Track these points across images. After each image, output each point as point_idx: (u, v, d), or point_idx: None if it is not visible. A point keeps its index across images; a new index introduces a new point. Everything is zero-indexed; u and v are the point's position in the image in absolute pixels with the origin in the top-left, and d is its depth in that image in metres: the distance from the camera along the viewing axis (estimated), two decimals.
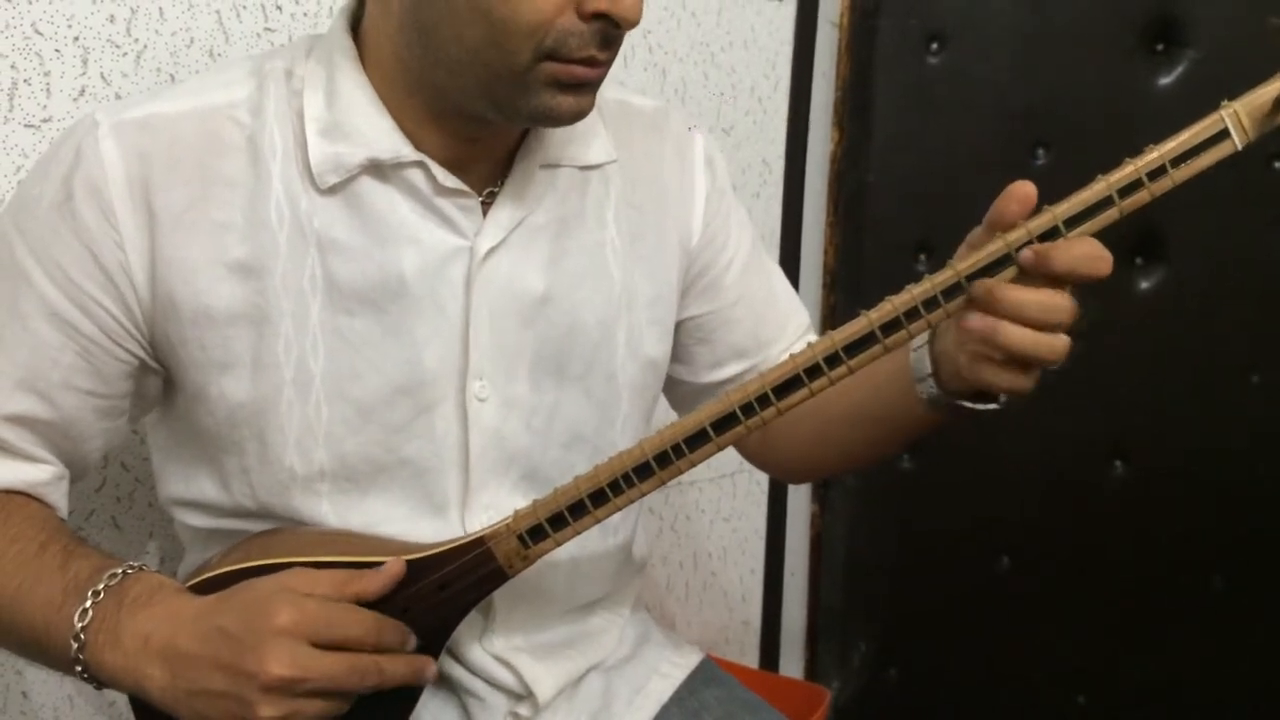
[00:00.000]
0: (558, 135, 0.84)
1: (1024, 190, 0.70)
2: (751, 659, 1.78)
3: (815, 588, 1.79)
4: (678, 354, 0.97)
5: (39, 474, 0.79)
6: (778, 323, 0.98)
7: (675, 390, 1.01)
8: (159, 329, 0.77)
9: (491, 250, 0.81)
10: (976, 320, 0.70)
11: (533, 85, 0.73)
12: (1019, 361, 0.71)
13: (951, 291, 0.71)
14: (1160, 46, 1.54)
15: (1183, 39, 1.53)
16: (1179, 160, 0.68)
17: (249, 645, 0.68)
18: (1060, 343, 0.70)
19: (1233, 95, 0.69)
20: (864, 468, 0.95)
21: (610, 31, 0.72)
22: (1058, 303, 0.69)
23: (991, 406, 0.77)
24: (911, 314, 0.71)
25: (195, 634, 0.70)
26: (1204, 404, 1.64)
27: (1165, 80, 1.54)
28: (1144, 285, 1.61)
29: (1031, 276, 0.69)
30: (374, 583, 0.74)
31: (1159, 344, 1.61)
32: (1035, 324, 0.69)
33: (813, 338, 1.00)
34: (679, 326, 0.96)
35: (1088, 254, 0.68)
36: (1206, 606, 1.69)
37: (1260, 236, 1.59)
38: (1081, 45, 1.56)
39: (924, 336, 0.78)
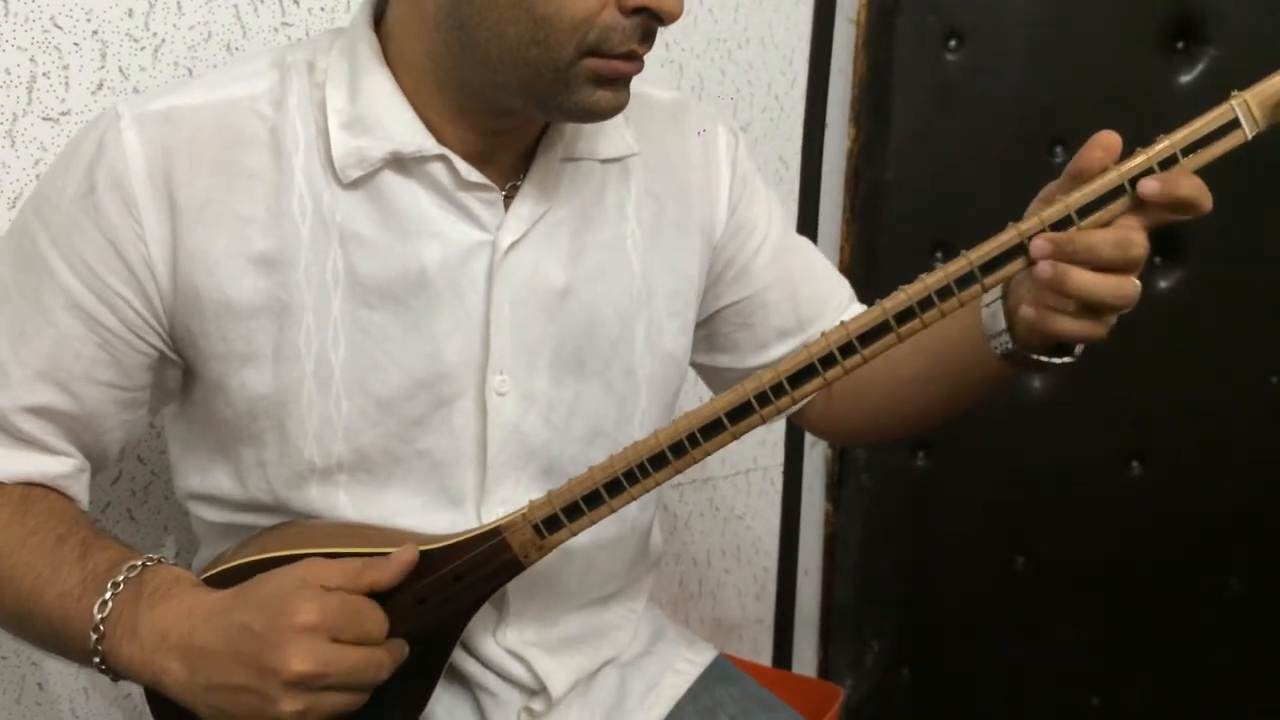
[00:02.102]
0: (580, 129, 0.84)
1: (1109, 139, 0.69)
2: (765, 657, 1.78)
3: (829, 586, 1.78)
4: (719, 343, 0.98)
5: (60, 466, 0.79)
6: (818, 299, 0.97)
7: (721, 378, 1.00)
8: (180, 321, 0.77)
9: (513, 244, 0.81)
10: (1046, 267, 0.69)
11: (574, 81, 0.73)
12: (1091, 309, 0.70)
13: (996, 262, 0.70)
14: (1180, 44, 1.53)
15: (1203, 36, 1.52)
16: (1189, 149, 0.68)
17: (271, 641, 0.68)
18: (1131, 287, 0.69)
19: (1243, 86, 0.68)
20: (932, 428, 0.94)
21: (650, 25, 0.73)
22: (1129, 236, 0.68)
23: (1066, 360, 0.77)
24: (925, 302, 0.71)
25: (215, 629, 0.70)
26: (1222, 405, 1.63)
27: (1185, 78, 1.53)
28: (1163, 285, 1.60)
29: (1146, 210, 0.68)
30: (386, 571, 0.74)
31: (1177, 345, 1.60)
32: (1109, 263, 0.68)
33: (859, 308, 1.00)
34: (716, 316, 0.96)
35: (1202, 187, 0.68)
36: (1224, 608, 1.68)
37: (1279, 236, 1.58)
38: (1101, 42, 1.55)
39: (996, 291, 0.78)
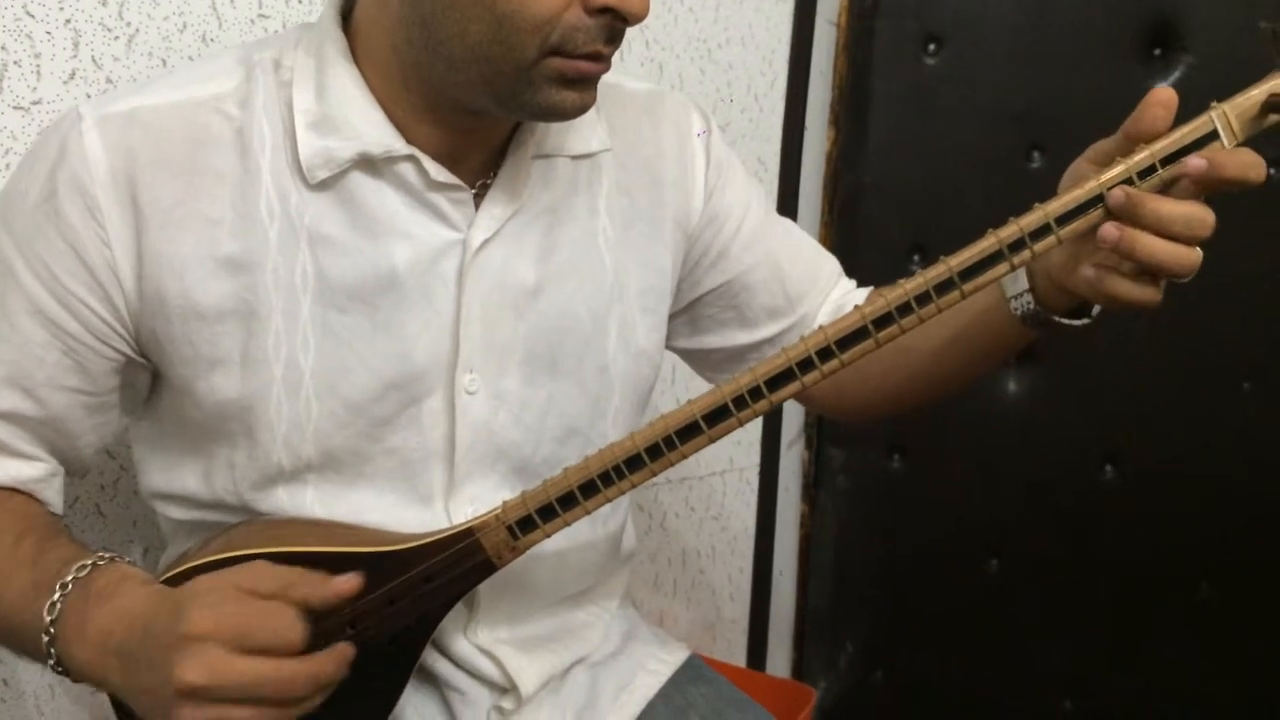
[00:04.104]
0: (551, 126, 0.83)
1: (1165, 95, 0.69)
2: (739, 657, 1.78)
3: (803, 587, 1.79)
4: (705, 325, 0.97)
5: (31, 471, 0.78)
6: (806, 276, 0.97)
7: (710, 359, 0.99)
8: (146, 326, 0.76)
9: (484, 243, 0.80)
10: (1112, 230, 0.69)
11: (537, 81, 0.72)
12: (1150, 273, 0.70)
13: (982, 263, 0.70)
14: (1157, 51, 1.54)
15: (1180, 44, 1.53)
16: (1168, 160, 0.68)
17: (165, 648, 0.64)
18: (1194, 256, 0.69)
19: (1223, 97, 0.69)
20: (944, 397, 0.95)
21: (616, 26, 0.72)
22: (1202, 215, 0.68)
23: (1084, 321, 0.77)
24: (904, 309, 0.71)
25: (136, 632, 0.67)
26: (1195, 411, 1.64)
27: (1162, 84, 1.54)
28: None
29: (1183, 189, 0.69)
30: (318, 591, 0.68)
31: (1151, 350, 1.61)
32: (1176, 236, 0.68)
33: (847, 283, 1.00)
34: (698, 301, 0.95)
35: (1252, 161, 0.68)
36: (1194, 613, 1.69)
37: (1254, 245, 1.59)
38: (1079, 49, 1.56)
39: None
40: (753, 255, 0.95)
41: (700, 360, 1.01)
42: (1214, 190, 0.69)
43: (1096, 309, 0.78)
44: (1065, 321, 0.78)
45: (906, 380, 0.93)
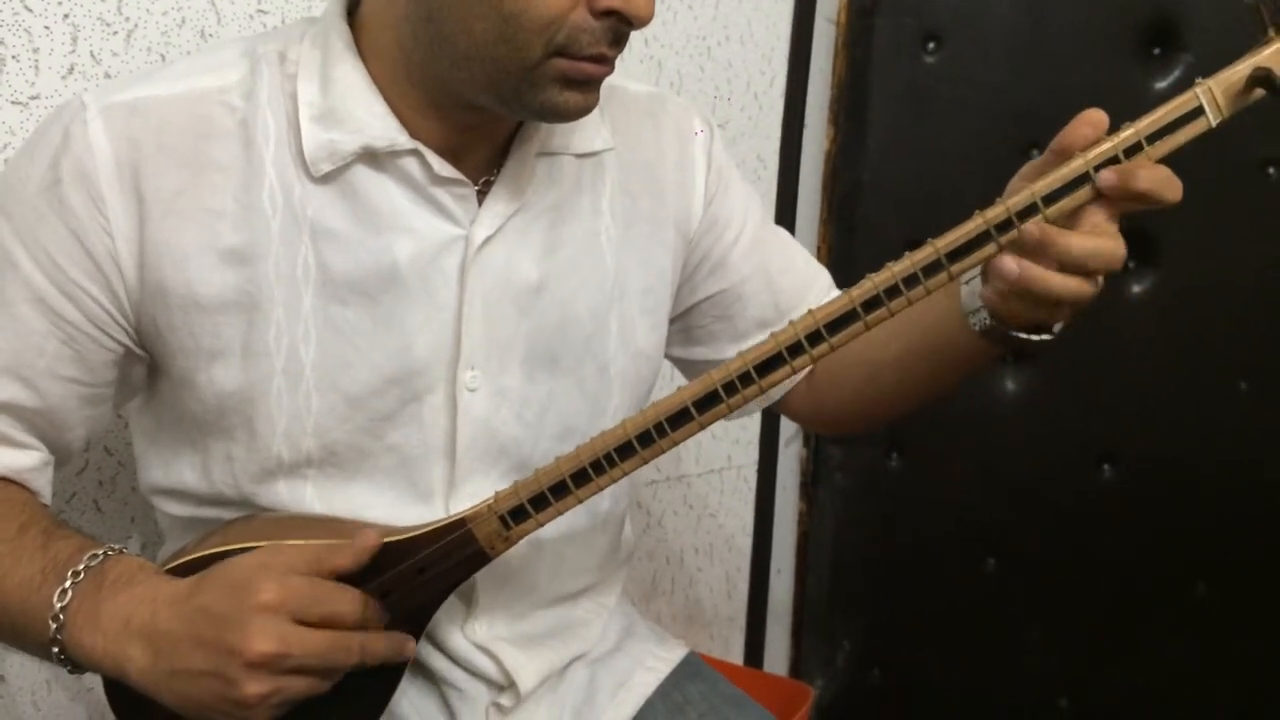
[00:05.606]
0: (556, 124, 0.83)
1: (1095, 116, 0.70)
2: (736, 655, 1.78)
3: (801, 586, 1.79)
4: (697, 335, 0.97)
5: (26, 460, 0.78)
6: (797, 289, 0.97)
7: (700, 371, 0.99)
8: (146, 317, 0.76)
9: (487, 240, 0.80)
10: (1011, 265, 0.70)
11: (540, 81, 0.72)
12: (1049, 303, 0.72)
13: (952, 256, 0.70)
14: (1156, 50, 1.54)
15: (1179, 43, 1.53)
16: (1154, 137, 0.68)
17: (232, 622, 0.67)
18: (1089, 290, 0.70)
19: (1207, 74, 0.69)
20: (917, 409, 0.95)
21: (621, 29, 0.72)
22: (1112, 248, 0.69)
23: (1045, 337, 0.77)
24: (892, 291, 0.71)
25: (176, 613, 0.69)
26: (1192, 410, 1.64)
27: (1161, 84, 1.54)
28: (1135, 290, 1.61)
29: (1110, 202, 0.69)
30: (348, 557, 0.73)
31: (1148, 349, 1.62)
32: (1085, 271, 0.69)
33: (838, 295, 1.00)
34: (693, 309, 0.96)
35: (1165, 177, 0.68)
36: (1191, 612, 1.69)
37: (1252, 243, 1.59)
38: (1078, 47, 1.56)
39: (976, 269, 0.78)
40: (750, 264, 0.95)
41: (693, 372, 1.02)
42: (1128, 207, 0.70)
43: (1058, 325, 0.78)
44: (1025, 336, 0.78)
45: (877, 395, 0.94)
